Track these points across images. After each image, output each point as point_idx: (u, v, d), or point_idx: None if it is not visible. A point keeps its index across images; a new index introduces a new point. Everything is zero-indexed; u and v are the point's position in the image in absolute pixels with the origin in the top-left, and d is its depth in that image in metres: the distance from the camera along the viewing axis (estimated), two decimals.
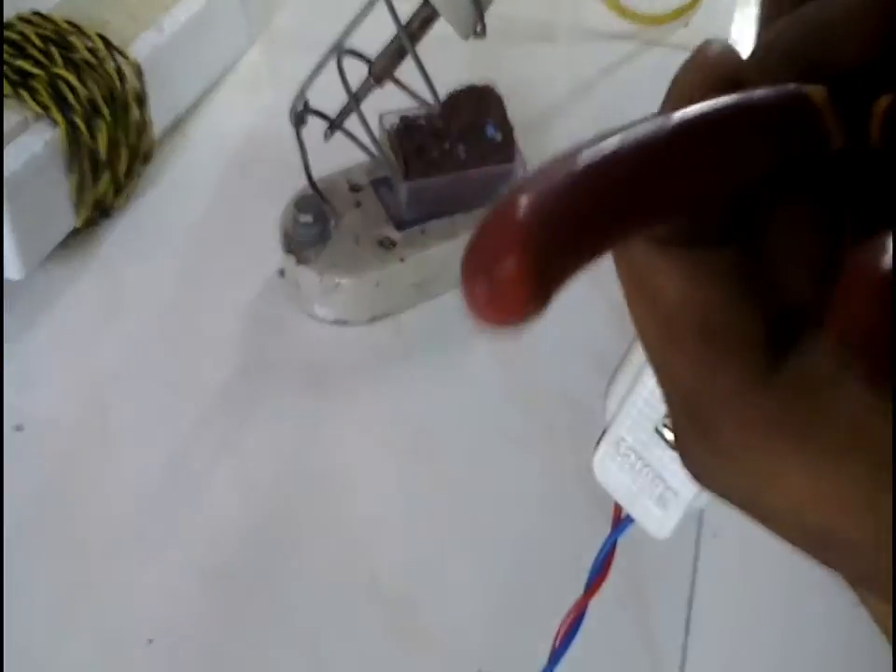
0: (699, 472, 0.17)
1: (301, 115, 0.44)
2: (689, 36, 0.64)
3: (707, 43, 0.17)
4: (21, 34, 0.49)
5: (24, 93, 0.46)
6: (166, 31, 0.54)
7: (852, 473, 0.15)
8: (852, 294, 0.13)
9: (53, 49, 0.48)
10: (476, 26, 0.42)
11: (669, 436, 0.23)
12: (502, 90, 0.49)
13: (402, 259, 0.46)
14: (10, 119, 0.46)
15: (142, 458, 0.42)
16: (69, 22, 0.50)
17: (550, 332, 0.47)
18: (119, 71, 0.49)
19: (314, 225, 0.46)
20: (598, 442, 0.27)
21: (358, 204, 0.49)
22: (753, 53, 0.17)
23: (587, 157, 0.14)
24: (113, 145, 0.49)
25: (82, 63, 0.48)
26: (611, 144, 0.14)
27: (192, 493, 0.41)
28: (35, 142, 0.45)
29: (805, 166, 0.15)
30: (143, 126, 0.51)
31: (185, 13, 0.55)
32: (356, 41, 0.42)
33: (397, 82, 0.44)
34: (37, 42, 0.48)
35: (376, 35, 0.42)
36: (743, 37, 0.65)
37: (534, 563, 0.38)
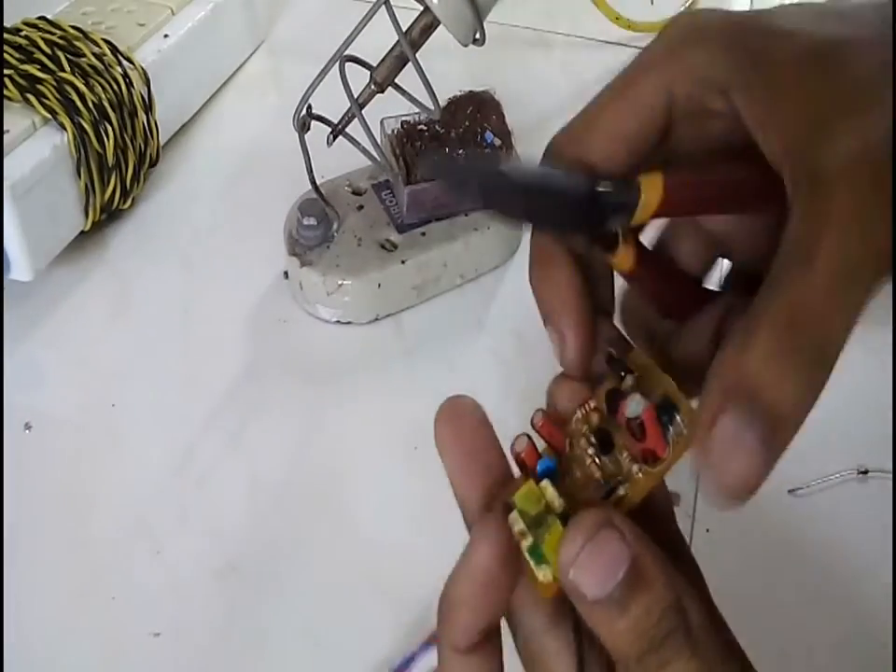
0: None
1: (304, 120, 0.45)
2: None
3: None
4: (29, 39, 0.49)
5: (32, 98, 0.46)
6: (172, 37, 0.54)
7: None
8: None
9: (60, 55, 0.49)
10: (475, 34, 0.42)
11: None
12: (501, 96, 0.49)
13: (403, 261, 0.47)
14: (18, 123, 0.46)
15: (149, 456, 0.42)
16: (76, 28, 0.51)
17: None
18: (126, 76, 0.50)
19: (317, 228, 0.47)
20: None
21: (360, 208, 0.49)
22: None
23: None
24: (120, 149, 0.49)
25: (89, 68, 0.49)
26: None
27: (199, 489, 0.41)
28: (44, 146, 0.46)
29: None
30: (149, 130, 0.52)
31: (190, 19, 0.56)
32: (357, 48, 0.43)
33: (398, 88, 0.45)
34: (44, 47, 0.49)
35: (378, 42, 0.43)
36: None
37: None
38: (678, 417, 0.22)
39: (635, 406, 0.22)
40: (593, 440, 0.24)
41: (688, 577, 0.22)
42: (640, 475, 0.22)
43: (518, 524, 0.23)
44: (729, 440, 0.20)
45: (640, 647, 0.21)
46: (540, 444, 0.24)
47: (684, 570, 0.22)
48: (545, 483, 0.23)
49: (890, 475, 0.41)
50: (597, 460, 0.23)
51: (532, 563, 0.22)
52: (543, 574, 0.22)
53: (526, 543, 0.22)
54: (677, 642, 0.21)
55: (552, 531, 0.22)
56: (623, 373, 0.24)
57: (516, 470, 0.25)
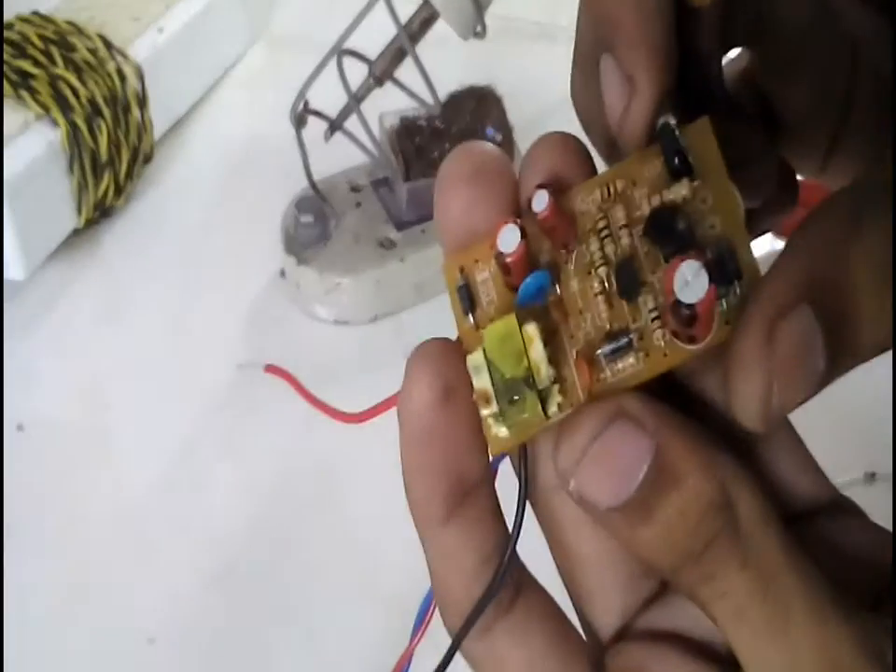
0: None
1: (301, 115, 0.44)
2: None
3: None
4: (22, 34, 0.49)
5: (25, 94, 0.46)
6: (166, 31, 0.54)
7: None
8: None
9: (54, 50, 0.48)
10: (476, 27, 0.42)
11: None
12: (502, 90, 0.49)
13: (402, 259, 0.46)
14: (11, 119, 0.46)
15: (142, 458, 0.42)
16: (69, 23, 0.50)
17: None
18: (120, 71, 0.50)
19: (314, 225, 0.47)
20: None
21: (359, 205, 0.49)
22: None
23: None
24: (114, 145, 0.49)
25: (83, 63, 0.48)
26: None
27: (193, 492, 0.41)
28: (37, 143, 0.46)
29: None
30: (143, 126, 0.51)
31: (185, 14, 0.55)
32: (356, 42, 0.42)
33: (397, 83, 0.44)
34: (38, 42, 0.48)
35: (376, 35, 0.43)
36: None
37: (531, 554, 0.39)
38: (734, 287, 0.16)
39: (690, 289, 0.15)
40: (613, 279, 0.17)
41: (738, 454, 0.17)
42: (662, 344, 0.16)
43: (482, 377, 0.17)
44: (797, 344, 0.15)
45: (674, 559, 0.16)
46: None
47: (732, 444, 0.17)
48: (533, 330, 0.16)
49: None
50: (610, 299, 0.17)
51: (490, 420, 0.17)
52: (498, 429, 0.17)
53: (489, 411, 0.17)
54: (722, 549, 0.15)
55: (528, 412, 0.16)
56: (678, 164, 0.16)
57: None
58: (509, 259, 0.17)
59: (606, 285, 0.17)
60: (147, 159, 0.53)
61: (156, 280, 0.49)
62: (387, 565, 0.39)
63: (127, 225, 0.52)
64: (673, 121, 0.16)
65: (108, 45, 0.50)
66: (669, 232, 0.16)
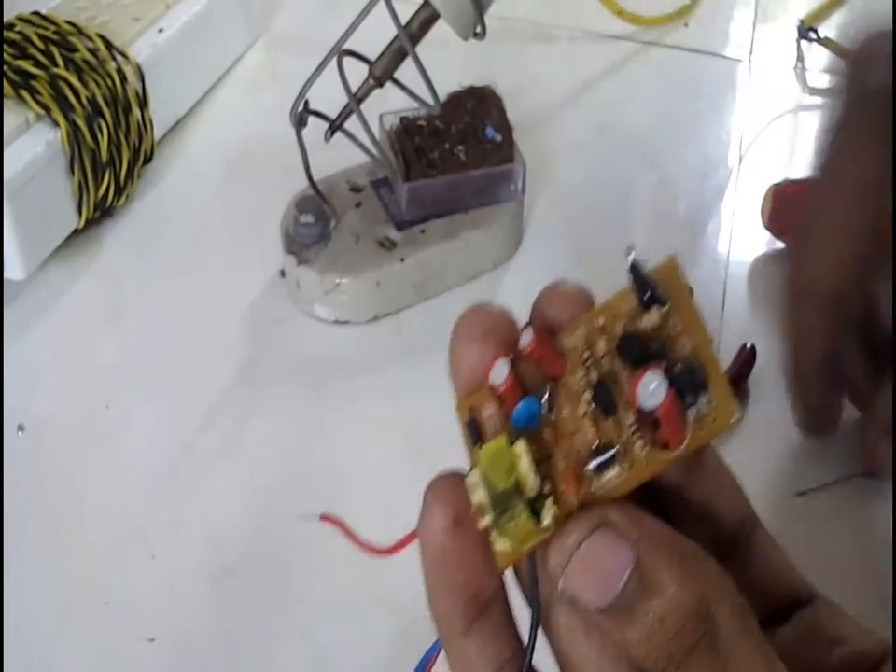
0: None
1: (301, 116, 0.44)
2: (688, 37, 0.64)
3: None
4: (22, 34, 0.49)
5: (25, 94, 0.46)
6: (166, 31, 0.54)
7: None
8: None
9: (54, 50, 0.48)
10: (476, 27, 0.42)
11: None
12: (502, 91, 0.49)
13: (402, 260, 0.46)
14: (12, 120, 0.46)
15: (143, 458, 0.42)
16: (69, 23, 0.50)
17: None
18: (120, 71, 0.50)
19: (314, 225, 0.46)
20: None
21: (359, 205, 0.49)
22: None
23: None
24: (114, 145, 0.49)
25: (83, 63, 0.48)
26: None
27: (193, 492, 0.41)
28: (37, 143, 0.46)
29: None
30: (144, 127, 0.51)
31: (185, 14, 0.55)
32: (356, 42, 0.42)
33: (397, 83, 0.44)
34: (38, 43, 0.48)
35: (376, 36, 0.42)
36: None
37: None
38: (703, 397, 0.18)
39: (651, 396, 0.17)
40: (595, 396, 0.19)
41: (722, 559, 0.18)
42: (643, 455, 0.18)
43: (478, 492, 0.19)
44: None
45: (658, 660, 0.17)
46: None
47: (717, 549, 0.18)
48: (521, 446, 0.18)
49: None
50: (596, 419, 0.19)
51: (492, 537, 0.19)
52: (501, 544, 0.18)
53: (485, 522, 0.18)
54: (703, 657, 0.17)
55: (517, 521, 0.18)
56: (647, 297, 0.18)
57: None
58: (501, 391, 0.19)
59: (591, 406, 0.19)
60: (148, 159, 0.52)
61: (156, 280, 0.49)
62: (389, 565, 0.38)
63: (127, 225, 0.52)
64: (636, 261, 0.19)
65: (109, 45, 0.50)
66: (642, 353, 0.18)
